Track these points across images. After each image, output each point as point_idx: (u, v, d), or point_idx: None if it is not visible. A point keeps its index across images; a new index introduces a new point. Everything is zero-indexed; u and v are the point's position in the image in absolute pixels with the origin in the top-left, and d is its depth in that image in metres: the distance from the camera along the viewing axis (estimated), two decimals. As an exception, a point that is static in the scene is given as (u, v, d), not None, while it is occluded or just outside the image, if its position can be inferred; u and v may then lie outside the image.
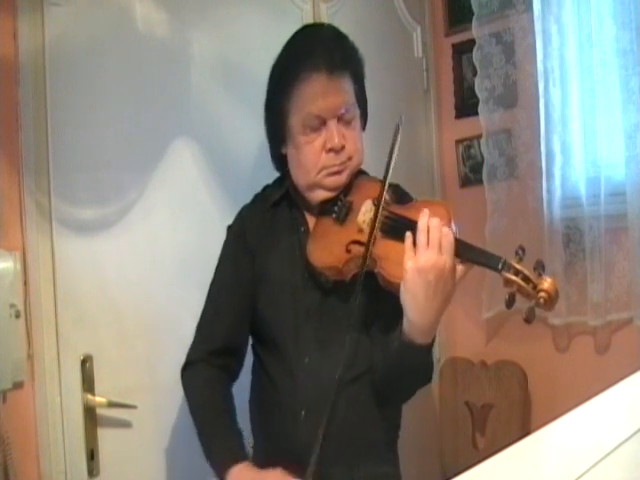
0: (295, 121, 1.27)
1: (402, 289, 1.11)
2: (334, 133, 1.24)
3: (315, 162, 1.26)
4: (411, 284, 1.08)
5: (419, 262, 1.07)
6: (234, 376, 1.39)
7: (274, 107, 1.32)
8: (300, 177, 1.31)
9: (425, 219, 1.10)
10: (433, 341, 1.16)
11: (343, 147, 1.25)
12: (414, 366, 1.18)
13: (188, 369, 1.36)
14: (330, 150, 1.25)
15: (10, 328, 1.32)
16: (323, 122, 1.25)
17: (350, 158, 1.27)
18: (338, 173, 1.27)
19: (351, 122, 1.28)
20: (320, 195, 1.29)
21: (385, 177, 1.20)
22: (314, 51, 1.25)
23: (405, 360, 1.16)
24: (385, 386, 1.26)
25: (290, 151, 1.31)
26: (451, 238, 1.09)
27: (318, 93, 1.23)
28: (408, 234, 1.11)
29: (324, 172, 1.26)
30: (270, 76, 1.33)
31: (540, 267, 1.07)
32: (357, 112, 1.30)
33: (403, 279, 1.10)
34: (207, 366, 1.34)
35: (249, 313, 1.36)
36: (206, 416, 1.30)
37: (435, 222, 1.09)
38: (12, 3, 1.35)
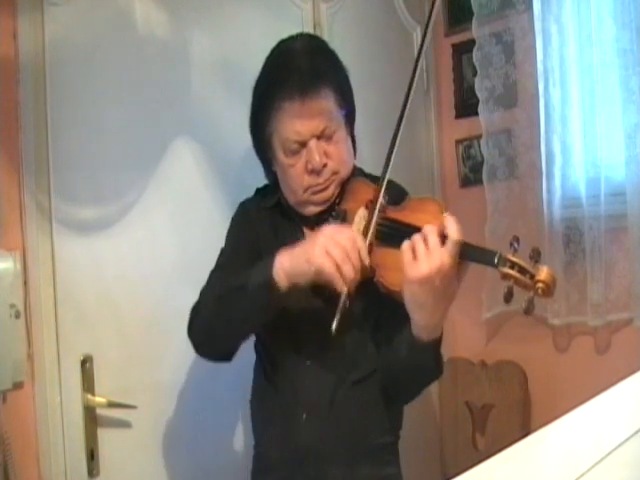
0: (276, 145, 1.27)
1: (408, 297, 1.09)
2: (314, 154, 1.23)
3: (299, 183, 1.26)
4: (418, 293, 1.06)
5: (422, 271, 1.04)
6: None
7: (256, 132, 1.33)
8: (289, 195, 1.31)
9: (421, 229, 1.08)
10: (441, 334, 1.15)
11: (325, 165, 1.24)
12: (426, 363, 1.17)
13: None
14: (312, 172, 1.24)
15: (10, 328, 1.32)
16: (303, 144, 1.24)
17: (336, 172, 1.26)
18: (324, 190, 1.26)
19: (333, 136, 1.25)
20: (311, 210, 1.29)
21: (375, 200, 1.19)
22: (285, 77, 1.22)
23: (417, 359, 1.16)
24: (396, 387, 1.26)
25: (277, 170, 1.32)
26: (453, 238, 1.06)
27: (294, 120, 1.22)
28: (405, 243, 1.08)
29: (310, 191, 1.26)
30: (251, 99, 1.32)
31: (536, 255, 1.05)
32: (340, 122, 1.28)
33: (407, 288, 1.08)
34: None
35: None
36: (229, 282, 1.25)
37: (430, 228, 1.07)
38: (12, 3, 1.35)
